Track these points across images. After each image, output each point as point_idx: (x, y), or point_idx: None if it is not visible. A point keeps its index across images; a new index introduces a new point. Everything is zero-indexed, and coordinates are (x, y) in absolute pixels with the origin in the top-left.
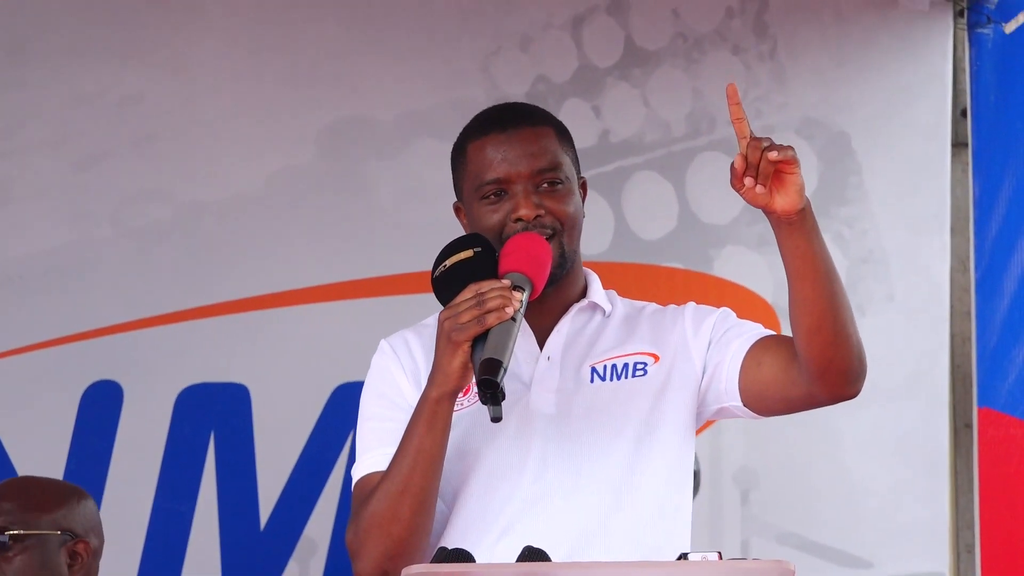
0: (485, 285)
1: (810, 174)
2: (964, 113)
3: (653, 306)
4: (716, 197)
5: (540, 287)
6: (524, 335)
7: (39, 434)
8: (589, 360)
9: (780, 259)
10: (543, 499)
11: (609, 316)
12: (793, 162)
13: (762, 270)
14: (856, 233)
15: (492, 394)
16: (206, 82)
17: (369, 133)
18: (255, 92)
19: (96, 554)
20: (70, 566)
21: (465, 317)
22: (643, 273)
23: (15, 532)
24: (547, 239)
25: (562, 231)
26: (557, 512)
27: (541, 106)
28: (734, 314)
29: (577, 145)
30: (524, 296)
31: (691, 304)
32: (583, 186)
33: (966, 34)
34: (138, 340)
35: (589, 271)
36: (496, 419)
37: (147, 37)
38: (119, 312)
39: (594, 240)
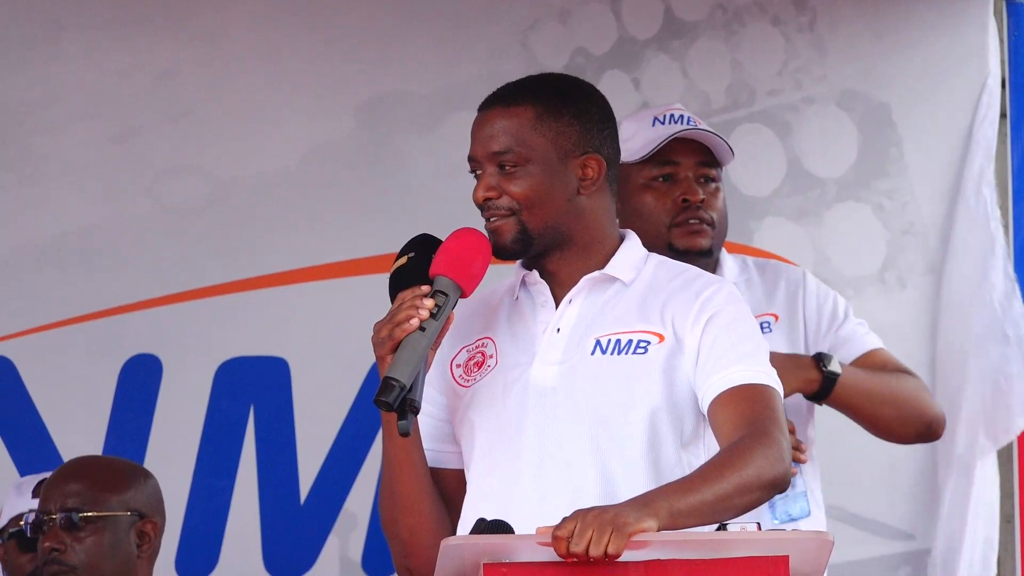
0: (407, 294)
1: (850, 146)
2: (1004, 83)
3: (688, 275)
4: (755, 169)
5: (469, 287)
6: (544, 306)
7: (78, 409)
8: (596, 332)
9: (819, 230)
10: (539, 473)
11: (630, 285)
12: None
13: (802, 241)
14: (896, 205)
15: (397, 410)
16: (243, 57)
17: (407, 107)
18: (292, 67)
19: (161, 533)
20: (138, 546)
21: (383, 332)
22: None
23: (87, 514)
24: (502, 220)
25: (520, 210)
26: (553, 486)
27: (581, 78)
28: (729, 319)
29: (616, 117)
30: (448, 300)
31: (716, 290)
32: (586, 163)
33: (1004, 5)
34: (177, 314)
35: (629, 234)
36: (403, 433)
37: (183, 11)
38: (158, 286)
39: None
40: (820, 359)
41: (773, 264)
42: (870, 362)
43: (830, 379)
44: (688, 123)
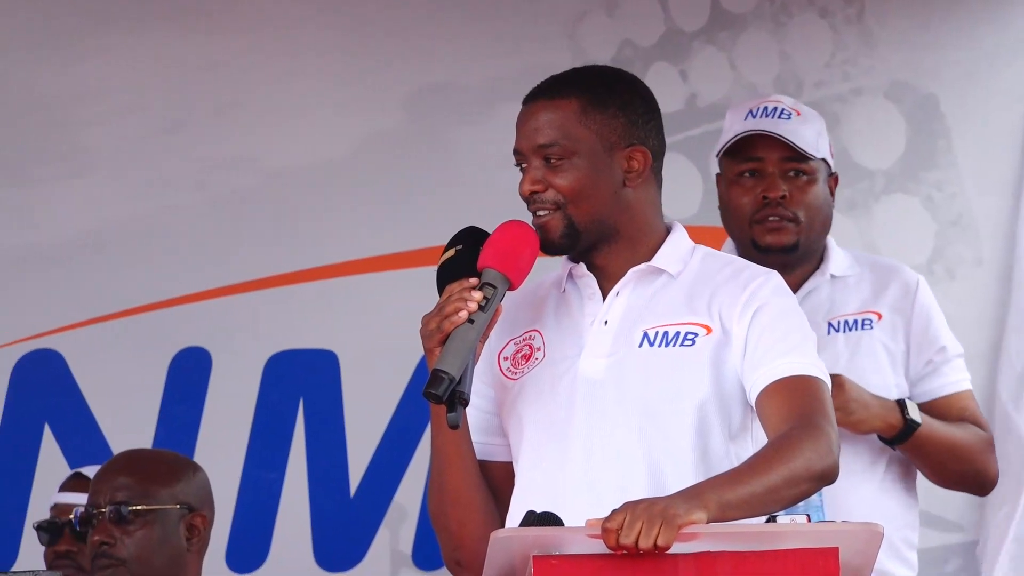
0: (455, 287)
1: (898, 137)
2: None
3: (735, 266)
4: None
5: (517, 279)
6: (592, 299)
7: (128, 402)
8: (643, 324)
9: (868, 222)
10: (588, 465)
11: (677, 277)
12: None
13: (851, 233)
14: (945, 196)
15: (446, 403)
16: (291, 48)
17: (455, 99)
18: (341, 59)
19: (210, 526)
20: (188, 539)
21: (431, 324)
22: None
23: (136, 507)
24: (548, 213)
25: (566, 203)
26: (602, 478)
27: (628, 71)
28: (777, 311)
29: (663, 109)
30: (496, 293)
31: (763, 282)
32: (632, 155)
33: None
34: (226, 306)
35: (675, 226)
36: (453, 426)
37: (232, 2)
38: (207, 279)
39: (682, 204)
40: (903, 406)
41: (888, 264)
42: (953, 404)
43: (911, 428)
44: (780, 115)
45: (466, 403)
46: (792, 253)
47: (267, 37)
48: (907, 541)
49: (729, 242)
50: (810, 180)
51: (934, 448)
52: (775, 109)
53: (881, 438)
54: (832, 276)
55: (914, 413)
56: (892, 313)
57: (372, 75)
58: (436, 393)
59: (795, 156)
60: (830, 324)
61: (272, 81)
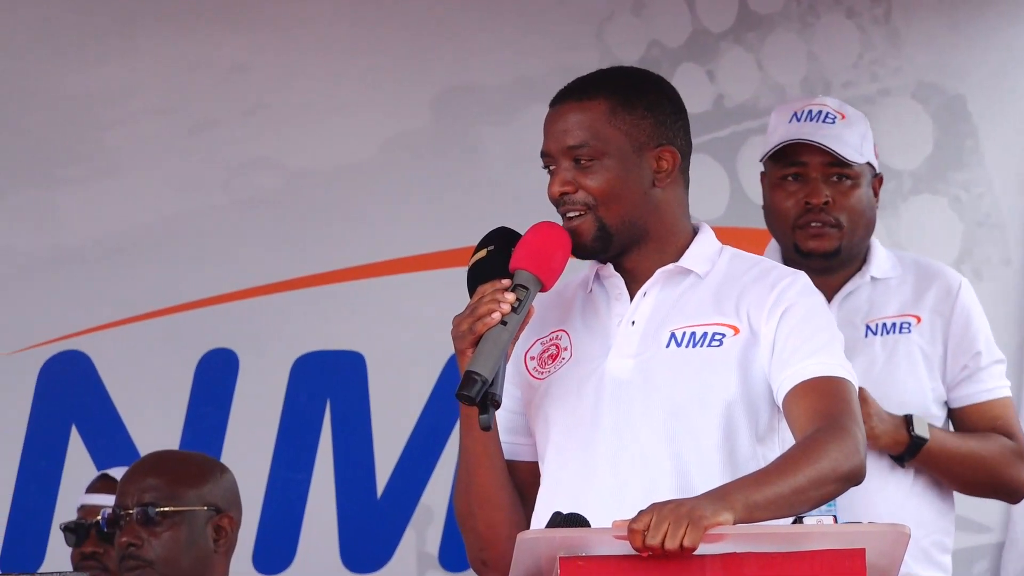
0: (487, 288)
1: (925, 138)
2: None
3: (763, 267)
4: None
5: (549, 281)
6: (619, 299)
7: (155, 403)
8: (671, 325)
9: (896, 222)
10: (615, 466)
11: (705, 278)
12: None
13: (879, 233)
14: (972, 197)
15: (479, 404)
16: (317, 49)
17: (482, 100)
18: (366, 60)
19: (238, 527)
20: (215, 540)
21: (463, 326)
22: (759, 238)
23: (164, 508)
24: (579, 215)
25: (596, 205)
26: (628, 479)
27: (655, 71)
28: (804, 312)
29: (691, 110)
30: (528, 294)
31: (791, 282)
32: (661, 156)
33: None
34: (253, 308)
35: (702, 227)
36: (485, 428)
37: (257, 3)
38: (234, 280)
39: (710, 205)
40: (909, 422)
41: (932, 265)
42: (985, 412)
43: (917, 444)
44: (825, 119)
45: (498, 405)
46: (835, 258)
47: (292, 38)
48: (939, 545)
49: (773, 244)
50: (854, 185)
51: (948, 461)
52: (819, 112)
53: (891, 455)
54: (873, 278)
55: (920, 429)
56: (932, 315)
57: (398, 76)
58: (469, 395)
59: (838, 161)
60: (868, 327)
61: (298, 82)
